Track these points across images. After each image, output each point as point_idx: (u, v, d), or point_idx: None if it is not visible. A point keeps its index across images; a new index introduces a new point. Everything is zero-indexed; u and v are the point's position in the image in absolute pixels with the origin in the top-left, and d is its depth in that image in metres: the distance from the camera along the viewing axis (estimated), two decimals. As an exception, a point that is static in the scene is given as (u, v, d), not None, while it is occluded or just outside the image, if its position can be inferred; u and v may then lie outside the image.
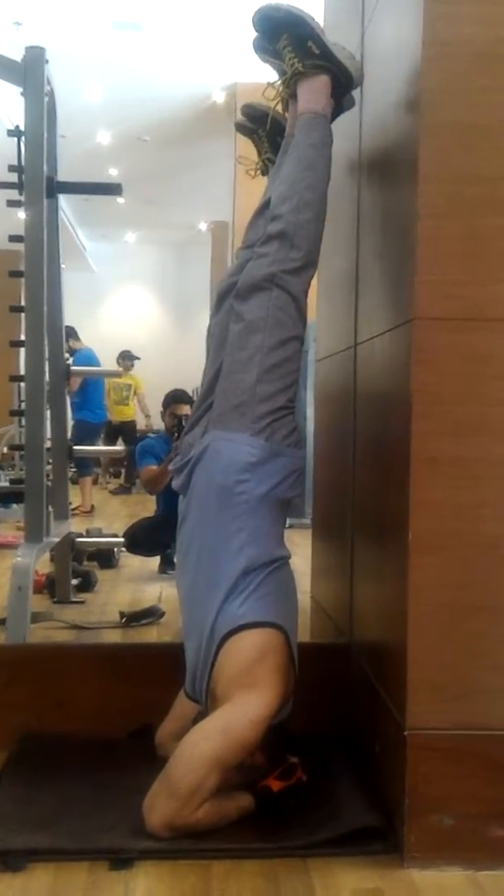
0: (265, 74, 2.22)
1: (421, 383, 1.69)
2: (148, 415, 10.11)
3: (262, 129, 2.33)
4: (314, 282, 2.90)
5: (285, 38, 2.02)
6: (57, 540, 3.44)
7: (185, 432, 2.12)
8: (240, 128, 2.40)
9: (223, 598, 1.84)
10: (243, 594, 1.84)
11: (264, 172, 2.41)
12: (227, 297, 2.09)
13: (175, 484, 2.06)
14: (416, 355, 1.69)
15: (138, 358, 10.38)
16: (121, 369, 4.13)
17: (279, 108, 2.25)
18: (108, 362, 7.84)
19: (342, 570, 2.42)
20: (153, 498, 4.95)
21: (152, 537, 4.47)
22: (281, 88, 2.13)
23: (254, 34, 2.08)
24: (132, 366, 10.27)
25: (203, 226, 12.76)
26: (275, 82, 2.15)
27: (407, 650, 1.68)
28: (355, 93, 2.15)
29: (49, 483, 3.34)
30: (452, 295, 1.68)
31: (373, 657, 2.03)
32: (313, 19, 2.03)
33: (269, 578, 1.88)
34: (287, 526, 2.04)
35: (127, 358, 10.32)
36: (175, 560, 2.06)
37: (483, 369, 1.68)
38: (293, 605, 1.95)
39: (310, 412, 4.50)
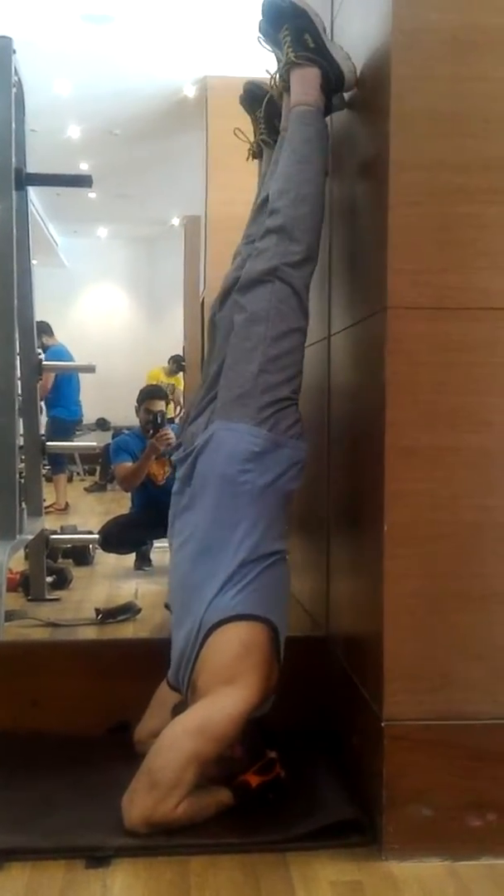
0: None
1: (395, 373, 1.68)
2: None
3: (261, 109, 2.33)
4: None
5: (286, 28, 2.04)
6: (31, 537, 3.41)
7: (189, 423, 2.14)
8: (241, 102, 2.40)
9: (218, 588, 1.84)
10: (238, 585, 1.84)
11: (256, 155, 2.42)
12: (232, 291, 2.11)
13: (179, 473, 2.06)
14: (390, 345, 1.68)
15: (183, 369, 10.41)
16: (93, 364, 4.11)
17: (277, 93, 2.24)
18: (80, 358, 7.78)
19: (318, 563, 2.42)
20: (128, 495, 4.92)
21: (126, 535, 4.45)
22: (277, 77, 2.14)
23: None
24: (176, 370, 10.33)
25: (175, 220, 12.69)
26: (275, 73, 2.16)
27: (383, 641, 1.68)
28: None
29: (22, 480, 3.31)
30: (425, 283, 1.68)
31: (349, 649, 2.02)
32: (317, 15, 2.05)
33: (266, 572, 1.87)
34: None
35: (176, 362, 10.40)
36: (168, 546, 2.07)
37: (457, 358, 1.68)
38: (285, 601, 1.95)
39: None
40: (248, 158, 2.47)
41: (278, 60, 2.12)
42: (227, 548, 1.87)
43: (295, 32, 2.03)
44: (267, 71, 2.19)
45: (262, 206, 2.16)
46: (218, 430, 1.93)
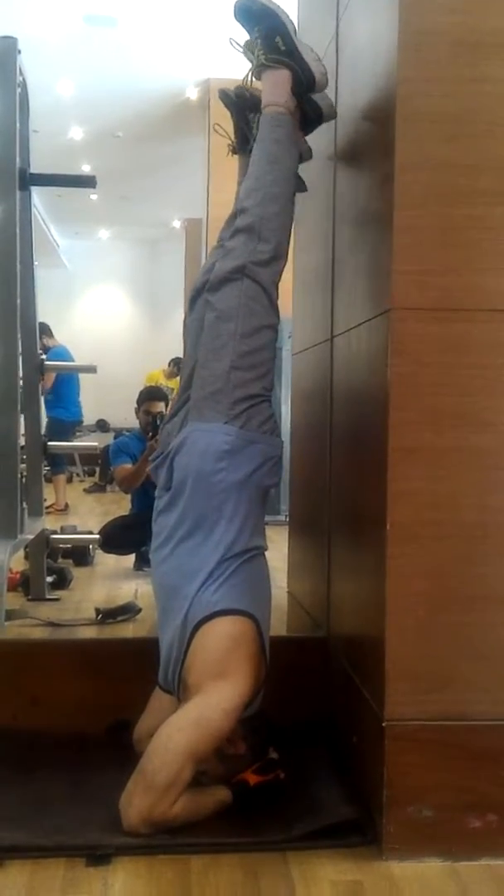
0: (239, 71, 2.21)
1: (398, 374, 1.68)
2: None
3: (254, 114, 2.28)
4: (289, 275, 2.90)
5: (257, 31, 2.05)
6: (31, 537, 3.41)
7: (164, 423, 2.13)
8: (224, 98, 2.36)
9: (199, 586, 1.85)
10: (217, 581, 1.85)
11: (237, 151, 2.38)
12: (201, 294, 2.10)
13: (157, 478, 2.06)
14: (394, 345, 1.68)
15: None
16: (94, 365, 4.15)
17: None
18: (81, 360, 7.79)
19: (319, 563, 2.42)
20: (128, 496, 4.92)
21: (126, 536, 4.44)
22: (251, 80, 2.14)
23: (233, 26, 2.09)
24: (177, 372, 10.40)
25: (177, 223, 12.72)
26: (246, 75, 2.15)
27: (385, 641, 1.68)
28: (331, 90, 2.15)
29: (23, 479, 3.30)
30: (429, 285, 1.68)
31: (350, 649, 2.02)
32: (287, 16, 2.05)
33: (244, 567, 1.88)
34: (262, 522, 2.02)
35: (177, 364, 10.48)
36: (151, 549, 2.06)
37: (460, 359, 1.68)
38: (266, 595, 1.96)
39: (284, 409, 4.49)
40: (228, 154, 2.41)
41: (250, 62, 2.10)
42: (205, 545, 1.88)
43: (266, 35, 2.03)
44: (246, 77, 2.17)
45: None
46: (191, 431, 1.95)
